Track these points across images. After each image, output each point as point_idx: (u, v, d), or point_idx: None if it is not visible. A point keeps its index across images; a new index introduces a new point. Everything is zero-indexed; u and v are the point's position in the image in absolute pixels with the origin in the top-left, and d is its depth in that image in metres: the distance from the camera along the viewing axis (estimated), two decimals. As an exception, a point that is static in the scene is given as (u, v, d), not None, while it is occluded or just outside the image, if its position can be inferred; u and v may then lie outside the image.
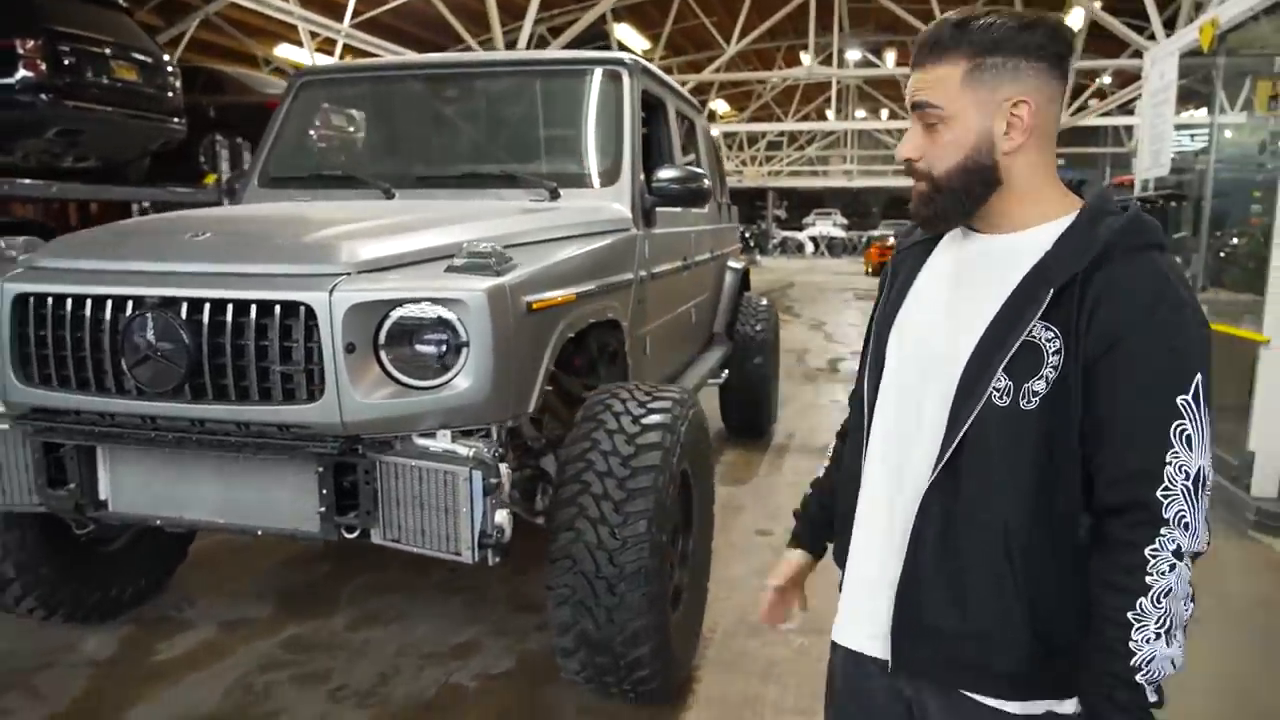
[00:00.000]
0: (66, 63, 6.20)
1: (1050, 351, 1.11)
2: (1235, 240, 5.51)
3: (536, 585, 3.50)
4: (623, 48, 18.04)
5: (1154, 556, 1.07)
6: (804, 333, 12.07)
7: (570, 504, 2.40)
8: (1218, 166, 5.57)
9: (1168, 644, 1.07)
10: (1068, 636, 1.16)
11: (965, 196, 1.19)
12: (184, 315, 2.20)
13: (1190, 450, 1.07)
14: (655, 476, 2.41)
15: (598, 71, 3.62)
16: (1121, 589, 1.08)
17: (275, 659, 3.03)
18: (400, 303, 2.17)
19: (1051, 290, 1.11)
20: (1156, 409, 1.07)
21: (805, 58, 19.36)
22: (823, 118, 29.88)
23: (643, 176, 3.48)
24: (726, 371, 5.37)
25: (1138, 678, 1.08)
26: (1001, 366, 1.13)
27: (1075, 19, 14.77)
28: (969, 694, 1.22)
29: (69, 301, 2.30)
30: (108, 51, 6.58)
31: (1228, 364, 5.05)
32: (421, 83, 3.90)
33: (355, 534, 2.31)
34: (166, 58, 7.43)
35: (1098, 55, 16.73)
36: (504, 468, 2.22)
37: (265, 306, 2.17)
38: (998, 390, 1.13)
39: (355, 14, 12.31)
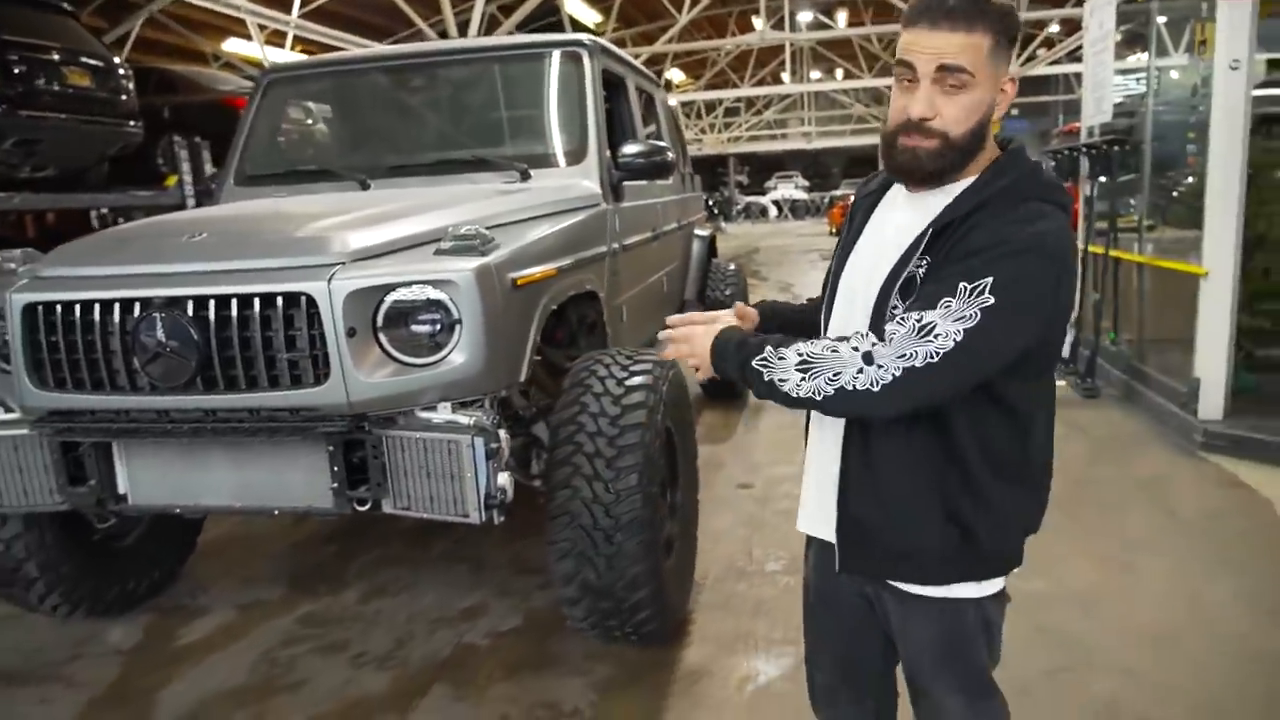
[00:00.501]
0: (17, 71, 6.16)
1: (920, 276, 1.32)
2: (1175, 180, 5.76)
3: (535, 549, 3.70)
4: (574, 22, 17.99)
5: (846, 347, 1.29)
6: (772, 295, 12.27)
7: (565, 464, 2.58)
8: (1159, 110, 5.80)
9: (798, 379, 1.31)
10: (971, 510, 1.37)
11: (969, 153, 1.33)
12: (191, 312, 2.34)
13: (944, 309, 1.23)
14: (642, 433, 2.60)
15: (559, 54, 3.75)
16: (825, 341, 1.34)
17: (294, 634, 3.20)
18: (395, 286, 2.33)
19: (932, 229, 1.32)
20: (953, 277, 1.25)
21: (758, 22, 19.43)
22: (778, 81, 29.99)
23: (609, 153, 3.64)
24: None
25: (765, 372, 1.34)
26: (896, 289, 1.34)
27: (1019, -31, 14.98)
28: (897, 584, 1.44)
29: (78, 308, 2.43)
30: (58, 58, 6.53)
31: (1174, 298, 5.33)
32: (387, 74, 4.01)
33: (367, 506, 2.48)
34: (118, 60, 7.39)
35: (1045, 5, 16.98)
36: (503, 433, 2.39)
37: (268, 298, 2.31)
38: (894, 309, 1.32)
39: (303, 4, 12.23)
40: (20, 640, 3.25)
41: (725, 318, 1.55)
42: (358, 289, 2.29)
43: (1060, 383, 6.21)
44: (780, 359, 1.32)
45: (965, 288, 1.23)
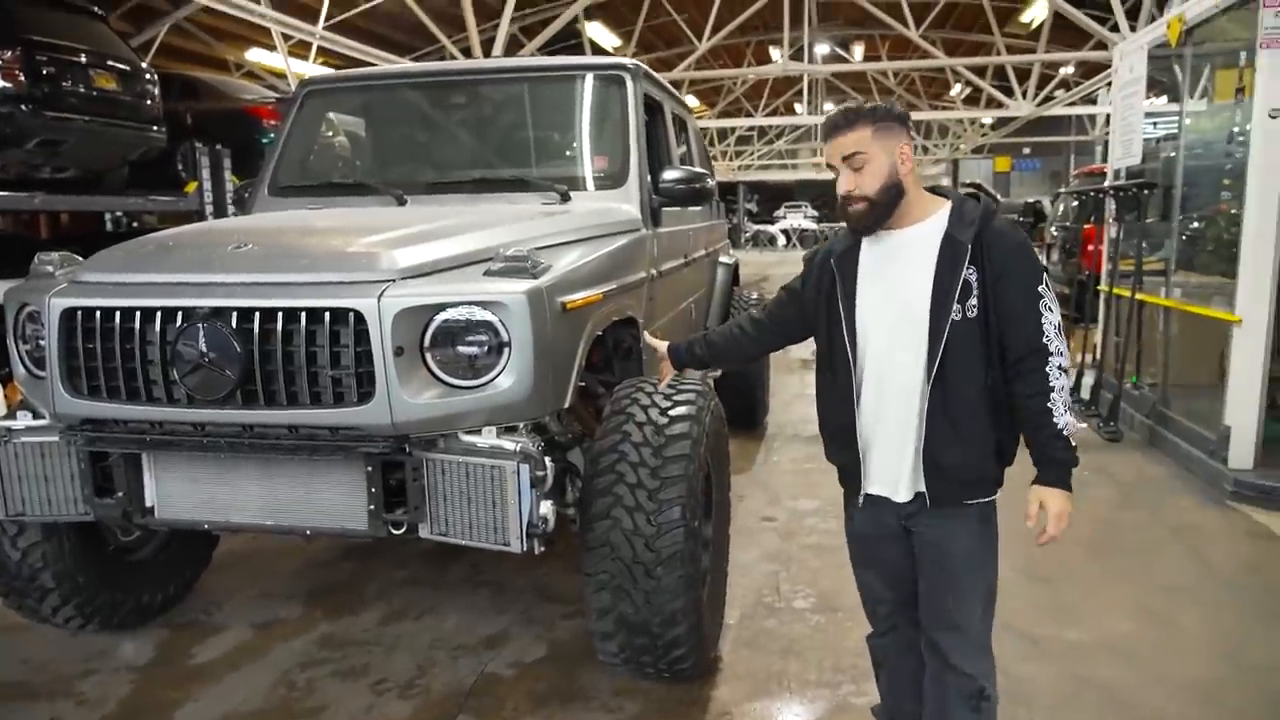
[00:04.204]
0: (45, 73, 6.16)
1: (975, 282, 1.90)
2: (1200, 225, 5.73)
3: (558, 576, 3.63)
4: (594, 46, 18.08)
5: (1050, 372, 1.90)
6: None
7: (606, 494, 2.51)
8: (1190, 154, 5.78)
9: (1069, 415, 1.92)
10: (1008, 442, 2.00)
11: (888, 204, 1.93)
12: (234, 324, 2.29)
13: (1051, 312, 1.91)
14: (686, 465, 2.54)
15: (603, 76, 3.73)
16: (1040, 394, 1.91)
17: (312, 656, 3.12)
18: (445, 306, 2.28)
19: (969, 247, 1.90)
20: (1032, 296, 1.91)
21: (776, 53, 19.54)
22: (792, 111, 30.13)
23: (649, 177, 3.60)
24: (721, 364, 5.50)
25: (1064, 432, 1.92)
26: (955, 298, 1.89)
27: (1039, 10, 15.08)
28: (969, 501, 2.00)
29: (118, 315, 2.38)
30: (86, 60, 6.53)
31: (1200, 343, 5.28)
32: (426, 90, 3.98)
33: (403, 530, 2.41)
34: (145, 65, 7.40)
35: (1062, 47, 17.08)
36: (548, 460, 2.33)
37: (315, 313, 2.26)
38: (955, 313, 1.89)
39: (329, 16, 12.28)
40: (31, 652, 3.18)
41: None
42: (408, 307, 2.24)
43: (1082, 425, 6.15)
44: (1065, 425, 1.91)
45: (1040, 288, 1.92)
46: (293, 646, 3.20)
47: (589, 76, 3.76)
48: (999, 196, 22.41)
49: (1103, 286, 6.83)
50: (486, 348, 2.31)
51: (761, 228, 38.09)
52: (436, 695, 2.85)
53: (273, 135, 4.32)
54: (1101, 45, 13.36)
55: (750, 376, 5.78)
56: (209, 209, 7.12)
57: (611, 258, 2.99)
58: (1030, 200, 20.28)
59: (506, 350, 2.30)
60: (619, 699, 2.80)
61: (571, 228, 3.04)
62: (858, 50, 23.60)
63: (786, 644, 3.13)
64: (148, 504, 2.57)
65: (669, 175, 3.53)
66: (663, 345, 2.62)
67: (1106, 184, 6.73)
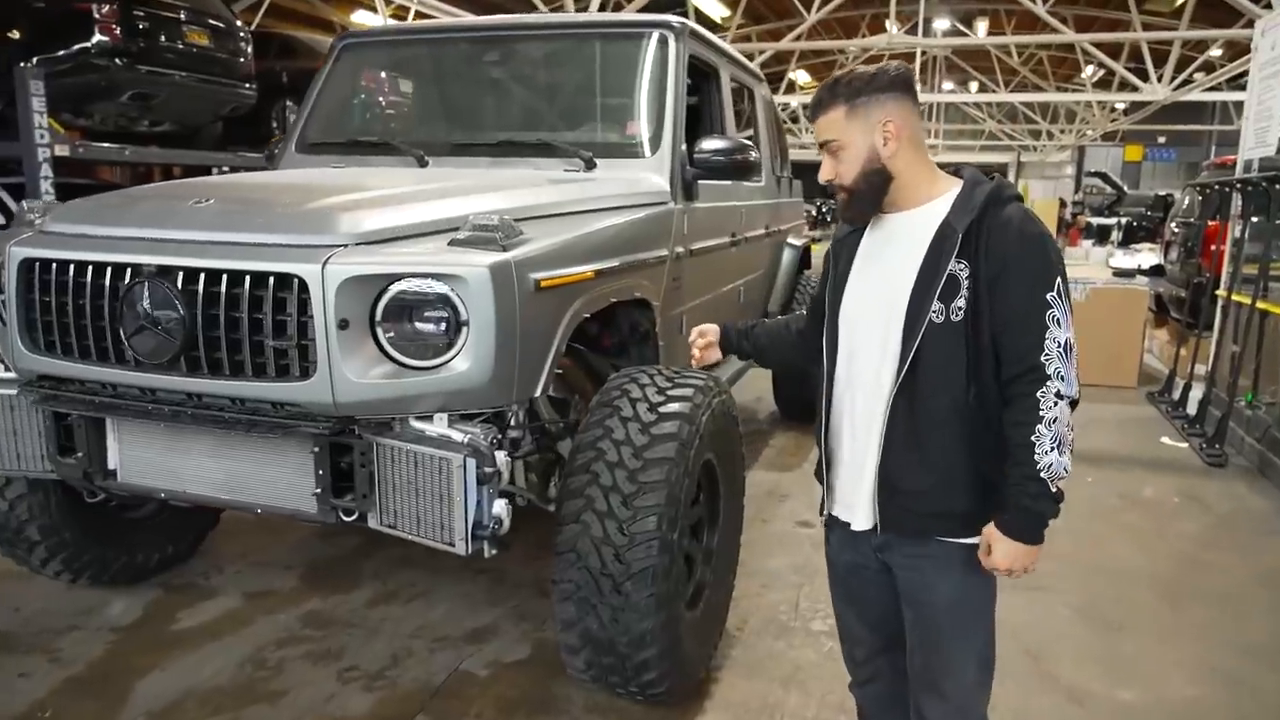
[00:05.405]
0: (141, 27, 6.27)
1: (964, 278, 1.58)
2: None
3: (559, 571, 3.40)
4: (700, 15, 17.61)
5: (1043, 398, 1.53)
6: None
7: (578, 495, 2.27)
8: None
9: (1059, 454, 1.54)
10: (997, 473, 1.61)
11: (870, 192, 1.66)
12: (179, 285, 2.13)
13: (1059, 327, 1.54)
14: (669, 470, 2.26)
15: (642, 34, 3.42)
16: (1025, 424, 1.55)
17: (293, 633, 3.00)
18: (399, 277, 2.05)
19: (960, 234, 1.57)
20: (1035, 303, 1.54)
21: (890, 25, 18.61)
22: (907, 89, 28.74)
23: (685, 147, 3.29)
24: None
25: (1042, 474, 1.54)
26: (935, 295, 1.58)
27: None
28: (940, 538, 1.66)
29: (72, 268, 2.25)
30: (181, 16, 6.63)
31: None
32: (462, 46, 3.76)
33: (353, 517, 2.23)
34: (239, 23, 7.48)
35: (1207, 25, 15.63)
36: (501, 455, 2.09)
37: (259, 278, 2.08)
38: (934, 311, 1.58)
39: (429, -21, 12.25)
40: (26, 601, 3.17)
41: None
42: (355, 276, 2.03)
43: (1182, 445, 5.53)
44: (1046, 467, 1.53)
45: (1049, 295, 1.55)
46: (276, 620, 3.09)
47: (627, 34, 3.46)
48: (1125, 188, 20.88)
49: (1221, 291, 6.12)
50: (443, 325, 2.07)
51: (868, 209, 36.80)
52: (402, 691, 2.67)
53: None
54: (1252, 24, 12.10)
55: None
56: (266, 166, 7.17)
57: (617, 231, 2.71)
58: (1162, 193, 18.83)
59: (465, 330, 2.06)
60: (591, 716, 2.57)
61: (580, 197, 2.78)
62: (981, 27, 22.29)
63: (790, 671, 2.82)
64: (110, 466, 2.46)
65: (707, 145, 3.21)
66: (714, 328, 2.17)
67: (1234, 176, 6.00)
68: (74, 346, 2.29)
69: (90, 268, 2.23)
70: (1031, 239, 1.56)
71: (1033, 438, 1.53)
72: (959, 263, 1.57)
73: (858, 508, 1.73)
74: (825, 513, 1.84)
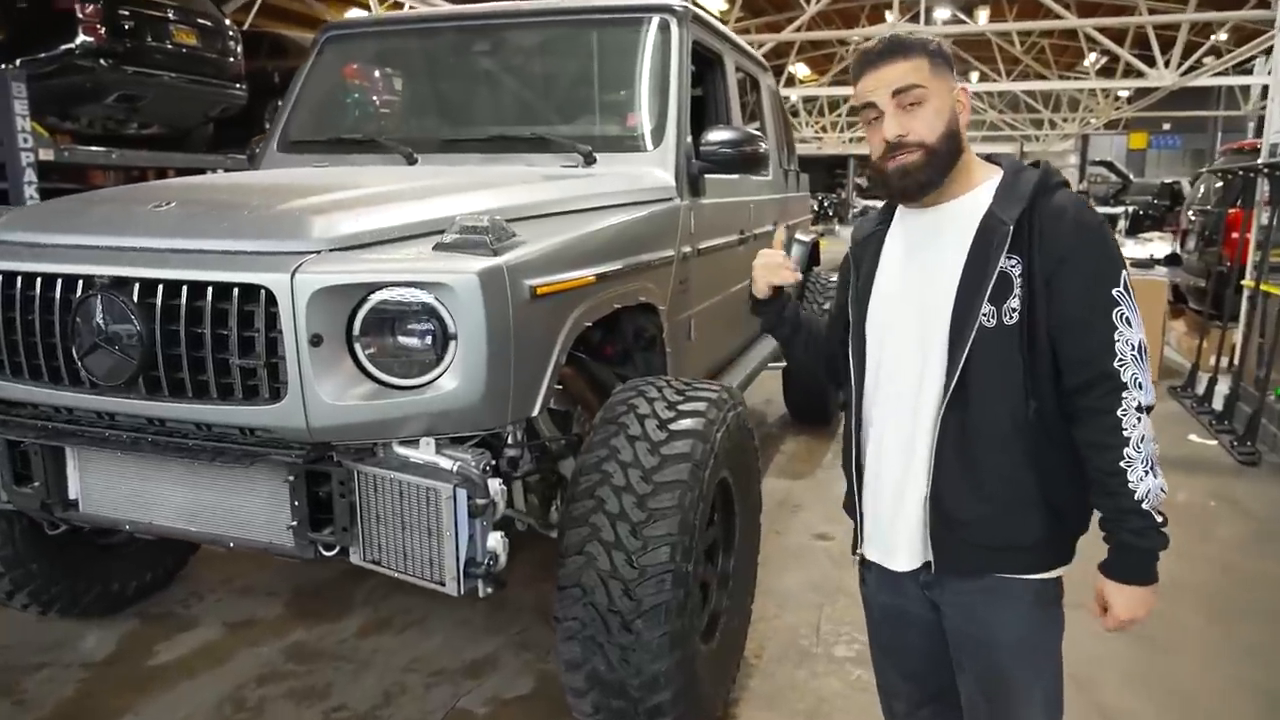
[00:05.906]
0: (126, 27, 6.09)
1: (1016, 275, 1.39)
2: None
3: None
4: (698, 7, 17.37)
5: (1125, 416, 1.34)
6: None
7: (582, 523, 2.05)
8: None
9: (1154, 477, 1.35)
10: (1066, 498, 1.44)
11: (948, 156, 1.43)
12: (136, 298, 1.91)
13: (1130, 327, 1.36)
14: (683, 494, 2.04)
15: (641, 19, 3.20)
16: (1108, 446, 1.35)
17: (275, 668, 2.79)
18: (377, 286, 1.83)
19: (1010, 227, 1.39)
20: (1100, 300, 1.36)
21: (890, 15, 18.35)
22: (908, 81, 28.45)
23: (690, 139, 3.08)
24: (789, 354, 4.94)
25: (1144, 506, 1.35)
26: (985, 295, 1.39)
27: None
28: (1004, 575, 1.46)
29: (19, 280, 2.04)
30: (168, 15, 6.46)
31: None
32: (451, 36, 3.54)
33: (334, 552, 2.01)
34: (228, 22, 7.28)
35: (1216, 8, 15.35)
36: (495, 484, 1.87)
37: (222, 289, 1.86)
38: (985, 315, 1.40)
39: (423, -25, 12.01)
40: (-5, 636, 2.96)
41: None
42: (328, 286, 1.81)
43: (1211, 442, 5.31)
44: (1145, 496, 1.35)
45: (1115, 290, 1.36)
46: (259, 653, 2.88)
47: (627, 20, 3.23)
48: (1131, 175, 20.61)
49: (1247, 281, 5.89)
50: (429, 340, 1.86)
51: (870, 203, 36.64)
52: (393, 734, 2.47)
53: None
54: (1265, 4, 11.85)
55: (820, 365, 5.17)
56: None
57: (619, 231, 2.49)
58: (1168, 181, 18.58)
59: (453, 344, 1.85)
60: (600, 761, 2.35)
61: (578, 195, 2.56)
62: (982, 15, 22.00)
63: (814, 704, 2.61)
64: (70, 496, 2.24)
65: (713, 137, 2.99)
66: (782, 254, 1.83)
67: (1260, 161, 5.77)
68: (24, 367, 2.08)
69: (39, 279, 2.01)
70: (1091, 228, 1.39)
71: (1122, 463, 1.34)
72: (1010, 259, 1.39)
73: (898, 547, 1.53)
74: (857, 551, 1.64)
